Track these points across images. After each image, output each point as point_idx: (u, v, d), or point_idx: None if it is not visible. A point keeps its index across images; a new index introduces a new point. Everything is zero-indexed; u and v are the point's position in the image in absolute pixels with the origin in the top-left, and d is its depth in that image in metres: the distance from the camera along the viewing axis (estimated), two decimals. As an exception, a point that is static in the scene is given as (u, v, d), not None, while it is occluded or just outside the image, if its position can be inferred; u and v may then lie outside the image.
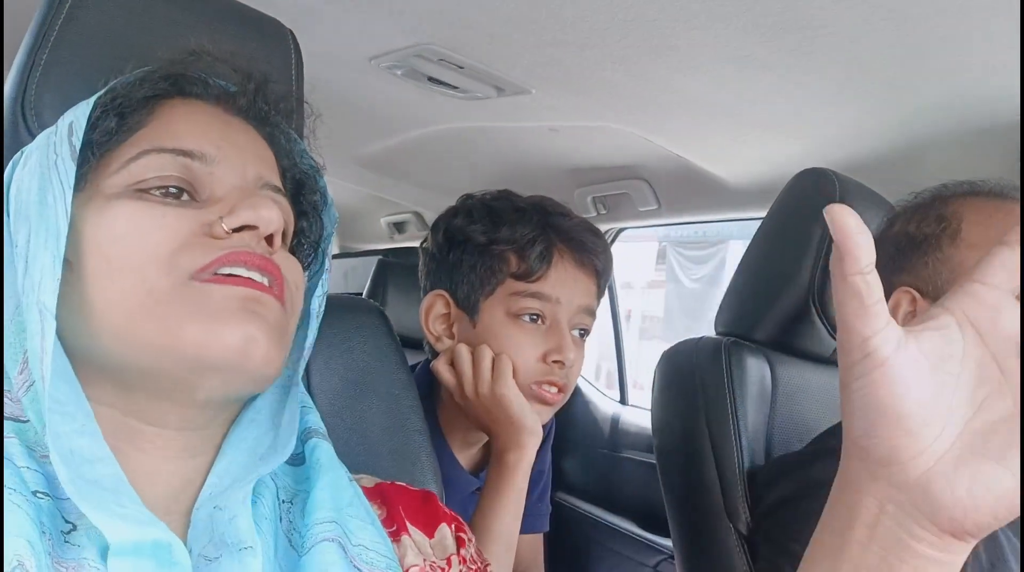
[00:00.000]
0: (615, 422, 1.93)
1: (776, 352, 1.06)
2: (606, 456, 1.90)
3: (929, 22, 0.87)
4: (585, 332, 1.01)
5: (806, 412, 1.03)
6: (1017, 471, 0.35)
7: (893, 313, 0.85)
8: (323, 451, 0.53)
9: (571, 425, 1.96)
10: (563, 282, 0.96)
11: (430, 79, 1.22)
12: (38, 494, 0.40)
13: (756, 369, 1.02)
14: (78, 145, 0.46)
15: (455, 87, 1.24)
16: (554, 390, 0.95)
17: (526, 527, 1.07)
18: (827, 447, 0.85)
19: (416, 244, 2.46)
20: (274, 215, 0.46)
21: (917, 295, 0.84)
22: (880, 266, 0.92)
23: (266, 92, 0.55)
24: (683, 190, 1.60)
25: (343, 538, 0.48)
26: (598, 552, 1.82)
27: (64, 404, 0.42)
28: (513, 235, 0.95)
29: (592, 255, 0.98)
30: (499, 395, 0.90)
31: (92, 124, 0.48)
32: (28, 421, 0.43)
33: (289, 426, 0.50)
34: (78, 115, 0.48)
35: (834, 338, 1.06)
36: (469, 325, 0.96)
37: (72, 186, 0.44)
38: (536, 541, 1.15)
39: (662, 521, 1.67)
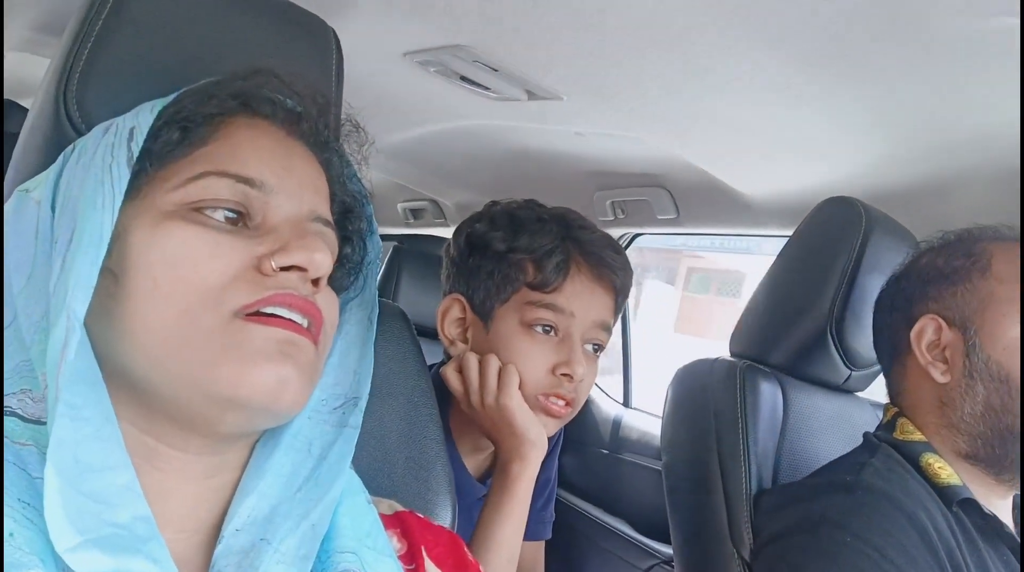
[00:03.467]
0: (617, 424, 1.94)
1: (789, 377, 1.07)
2: (606, 457, 1.91)
3: (967, 62, 0.87)
4: (599, 348, 1.00)
5: (816, 440, 1.04)
6: None
7: (918, 339, 0.86)
8: (349, 478, 0.53)
9: (573, 423, 1.96)
10: (579, 295, 0.95)
11: (462, 78, 1.22)
12: None
13: (769, 394, 1.02)
14: (136, 152, 0.45)
15: (486, 87, 1.24)
16: (561, 404, 0.94)
17: (529, 534, 1.07)
18: (831, 481, 0.85)
19: (432, 231, 2.48)
20: (326, 259, 0.46)
21: (943, 323, 0.85)
22: (905, 296, 0.93)
23: (327, 117, 0.55)
24: (703, 202, 1.60)
25: (361, 571, 0.48)
26: (591, 550, 1.83)
27: (80, 408, 0.41)
28: (532, 244, 0.95)
29: (611, 271, 0.97)
30: (503, 406, 0.90)
31: (153, 133, 0.47)
32: (45, 424, 0.42)
33: (337, 465, 0.50)
34: (140, 122, 0.47)
35: (848, 368, 1.07)
36: (483, 331, 0.97)
37: (123, 193, 0.44)
38: (538, 548, 1.16)
39: (658, 526, 1.69)
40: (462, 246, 1.01)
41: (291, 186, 0.49)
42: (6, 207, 0.49)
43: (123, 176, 0.44)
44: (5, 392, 0.42)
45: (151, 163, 0.47)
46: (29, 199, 0.48)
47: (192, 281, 0.44)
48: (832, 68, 0.93)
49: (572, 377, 0.93)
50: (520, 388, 0.92)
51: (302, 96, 0.54)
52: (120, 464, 0.42)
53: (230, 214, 0.46)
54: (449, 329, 1.00)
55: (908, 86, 0.96)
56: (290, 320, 0.45)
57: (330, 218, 0.52)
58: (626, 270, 1.00)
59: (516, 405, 0.90)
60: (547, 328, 0.94)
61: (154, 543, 0.40)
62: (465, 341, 0.98)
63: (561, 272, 0.94)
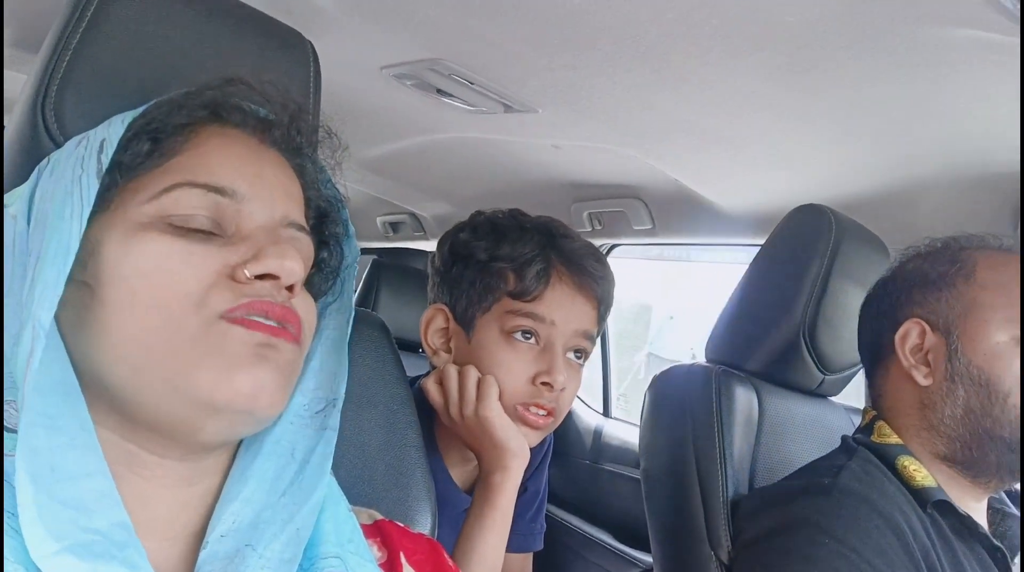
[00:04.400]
0: (598, 434, 1.95)
1: (764, 382, 1.08)
2: (587, 467, 1.92)
3: (935, 71, 0.89)
4: (582, 356, 1.00)
5: (790, 443, 1.05)
6: None
7: (901, 342, 0.88)
8: (328, 483, 0.53)
9: (556, 433, 1.97)
10: (560, 304, 0.95)
11: (439, 91, 1.23)
12: None
13: (744, 399, 1.03)
14: (106, 163, 0.46)
15: (463, 101, 1.25)
16: (542, 413, 0.94)
17: (517, 546, 1.07)
18: (809, 484, 0.86)
19: (411, 245, 2.48)
20: (297, 267, 0.46)
21: (927, 327, 0.87)
22: (891, 300, 0.94)
23: (299, 123, 0.55)
24: (678, 212, 1.62)
25: None
26: (573, 561, 1.84)
27: (55, 418, 0.41)
28: (513, 253, 0.95)
29: (592, 280, 0.97)
30: (483, 417, 0.89)
31: (123, 145, 0.47)
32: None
33: (319, 467, 0.50)
34: (111, 133, 0.47)
35: (822, 372, 1.09)
36: (465, 341, 0.97)
37: (91, 204, 0.44)
38: (525, 560, 1.15)
39: (640, 535, 1.69)
40: (445, 255, 1.01)
41: (263, 193, 0.49)
42: None
43: (92, 186, 0.44)
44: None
45: (121, 175, 0.47)
46: (7, 215, 0.48)
47: (171, 288, 0.44)
48: (803, 78, 0.96)
49: (552, 386, 0.93)
50: (500, 398, 0.91)
51: (273, 102, 0.54)
52: (97, 471, 0.42)
53: (203, 224, 0.47)
54: (432, 339, 0.99)
55: (877, 96, 0.98)
56: (268, 325, 0.46)
57: (304, 223, 0.53)
58: (608, 280, 1.00)
59: (495, 416, 0.90)
60: (527, 336, 0.94)
61: (132, 549, 0.40)
62: (448, 351, 0.98)
63: (542, 280, 0.94)
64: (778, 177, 1.31)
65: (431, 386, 0.94)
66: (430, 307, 1.01)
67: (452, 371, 0.93)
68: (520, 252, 0.95)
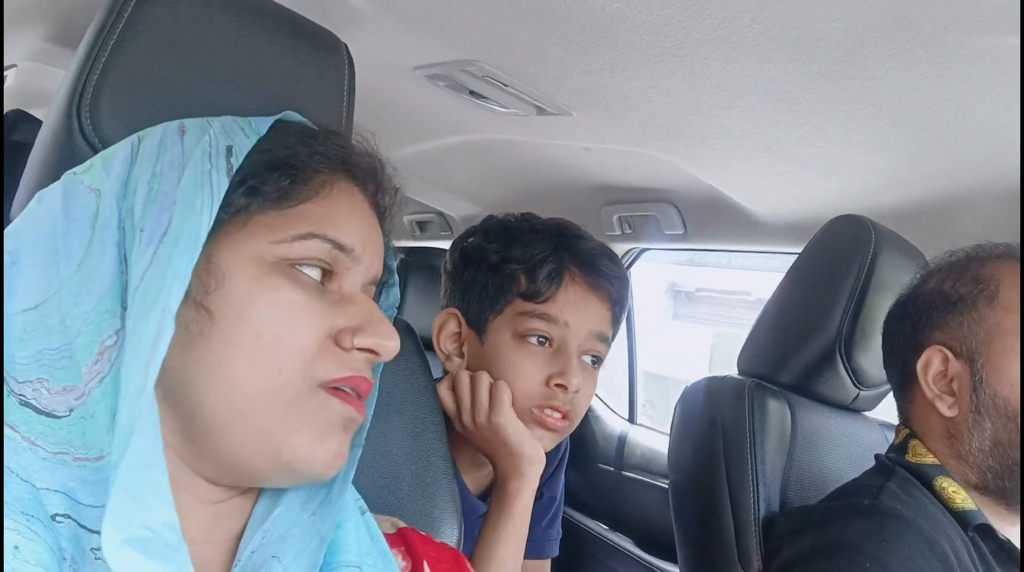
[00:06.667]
0: (622, 441, 1.93)
1: (797, 396, 1.06)
2: (610, 473, 1.90)
3: (980, 81, 0.86)
4: (597, 360, 0.99)
5: (824, 459, 1.03)
6: None
7: (924, 371, 0.85)
8: (349, 491, 0.54)
9: (577, 438, 1.96)
10: (573, 305, 0.94)
11: (472, 92, 1.22)
12: (57, 518, 0.39)
13: (777, 413, 1.01)
14: (235, 167, 0.46)
15: (496, 103, 1.24)
16: (557, 416, 0.92)
17: (534, 552, 1.06)
18: (847, 505, 0.84)
19: (438, 244, 2.48)
20: (397, 346, 0.49)
21: (949, 354, 0.83)
22: (912, 323, 0.91)
23: (394, 190, 0.57)
24: (711, 218, 1.59)
25: None
26: (596, 568, 1.82)
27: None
28: (524, 254, 0.94)
29: (606, 280, 0.96)
30: (496, 424, 0.88)
31: (258, 171, 0.48)
32: (63, 417, 0.41)
33: (345, 481, 0.51)
34: (237, 142, 0.48)
35: (857, 387, 1.06)
36: (477, 345, 0.96)
37: (220, 201, 0.45)
38: (543, 567, 1.14)
39: (662, 544, 1.68)
40: (457, 260, 1.00)
41: (369, 255, 0.51)
42: (53, 191, 0.48)
43: (222, 184, 0.45)
44: (20, 379, 0.41)
45: (257, 203, 0.47)
46: (80, 184, 0.47)
47: (291, 344, 0.45)
48: (844, 85, 0.93)
49: (567, 388, 0.91)
50: (514, 401, 0.90)
51: (383, 168, 0.56)
52: (157, 464, 0.41)
53: (318, 277, 0.48)
54: (445, 344, 0.98)
55: (918, 104, 0.96)
56: (356, 401, 0.48)
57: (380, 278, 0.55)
58: (622, 280, 0.99)
59: (508, 422, 0.88)
60: (542, 339, 0.93)
61: (182, 554, 0.40)
62: (461, 356, 0.97)
63: (554, 282, 0.93)
64: (816, 185, 1.28)
65: (444, 393, 0.93)
66: (442, 312, 1.00)
67: (464, 377, 0.92)
68: (531, 253, 0.94)
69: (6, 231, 0.46)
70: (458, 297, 0.99)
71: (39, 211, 0.46)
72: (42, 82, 1.78)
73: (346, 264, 0.49)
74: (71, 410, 0.41)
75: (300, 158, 0.49)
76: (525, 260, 0.94)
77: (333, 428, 0.46)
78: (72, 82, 0.59)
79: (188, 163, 0.46)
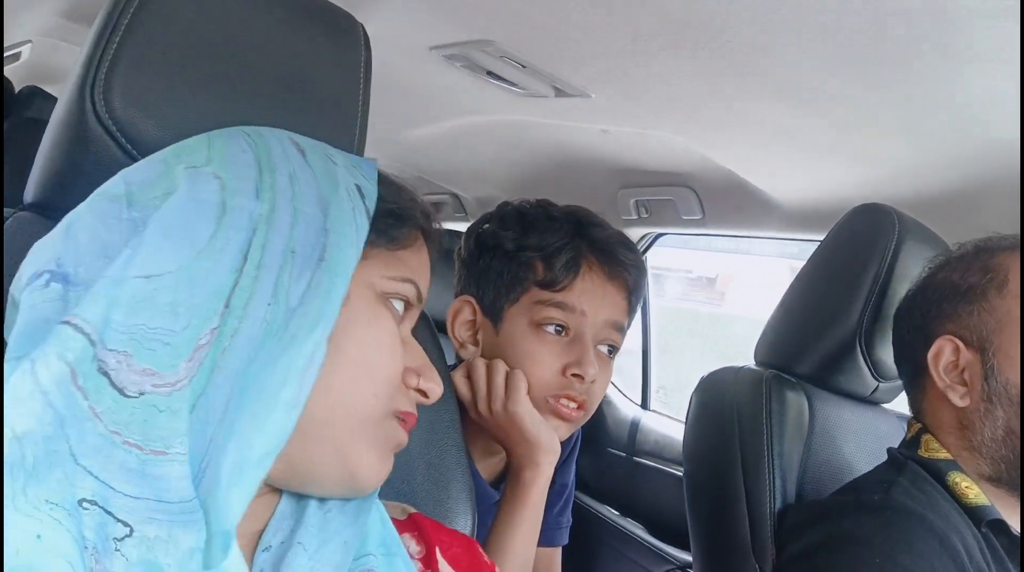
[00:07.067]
0: (635, 426, 1.92)
1: (815, 387, 1.04)
2: (622, 459, 1.90)
3: (1010, 67, 0.84)
4: (613, 349, 0.98)
5: (841, 452, 1.01)
6: None
7: (935, 361, 0.84)
8: None
9: (589, 424, 1.95)
10: (590, 294, 0.93)
11: (489, 73, 1.20)
12: (84, 504, 0.38)
13: (795, 405, 1.00)
14: (371, 210, 0.50)
15: (513, 83, 1.22)
16: (573, 406, 0.92)
17: (545, 540, 1.06)
18: (858, 500, 0.83)
19: (452, 226, 2.46)
20: (442, 393, 0.54)
21: (960, 344, 0.83)
22: (922, 314, 0.90)
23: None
24: (730, 203, 1.57)
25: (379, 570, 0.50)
26: (606, 553, 1.82)
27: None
28: (541, 242, 0.93)
29: (623, 269, 0.95)
30: (512, 413, 0.88)
31: (384, 215, 0.52)
32: (131, 398, 0.39)
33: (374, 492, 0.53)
34: (365, 185, 0.51)
35: (876, 379, 1.04)
36: (492, 333, 0.95)
37: (364, 240, 0.48)
38: (554, 555, 1.14)
39: (673, 531, 1.68)
40: (472, 247, 0.99)
41: (421, 303, 0.56)
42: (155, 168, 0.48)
43: (364, 226, 0.49)
44: (108, 346, 0.39)
45: (379, 241, 0.51)
46: (203, 173, 0.46)
47: (388, 370, 0.49)
48: (870, 70, 0.91)
49: (583, 378, 0.90)
50: (529, 390, 0.89)
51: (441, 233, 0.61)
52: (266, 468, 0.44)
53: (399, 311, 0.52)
54: (459, 331, 0.98)
55: (943, 92, 0.93)
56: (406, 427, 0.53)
57: None
58: (639, 268, 0.97)
59: (525, 411, 0.88)
60: (558, 328, 0.92)
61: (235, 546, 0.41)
62: (475, 344, 0.96)
63: (571, 270, 0.92)
64: (839, 173, 1.26)
65: (459, 380, 0.92)
66: (457, 299, 0.99)
67: (480, 365, 0.91)
68: (548, 241, 0.93)
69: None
70: (473, 284, 0.97)
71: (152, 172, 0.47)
72: (57, 57, 1.78)
73: (413, 312, 0.55)
74: (142, 393, 0.40)
75: (414, 214, 0.55)
76: (542, 248, 0.93)
77: (391, 451, 0.51)
78: (85, 63, 0.58)
79: (327, 193, 0.49)
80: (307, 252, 0.45)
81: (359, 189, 0.51)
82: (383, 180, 0.56)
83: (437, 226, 0.59)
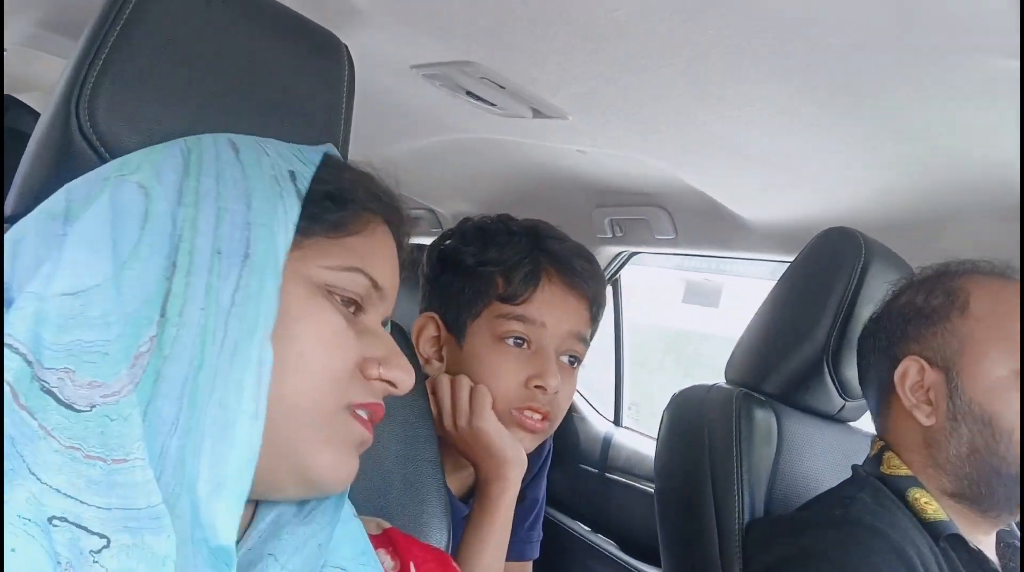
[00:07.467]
0: (607, 442, 1.94)
1: (783, 406, 1.07)
2: (594, 476, 1.91)
3: (978, 101, 0.87)
4: (576, 359, 0.99)
5: (808, 469, 1.04)
6: None
7: (901, 381, 0.86)
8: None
9: (562, 440, 1.96)
10: (550, 306, 0.94)
11: (468, 93, 1.22)
12: (54, 521, 0.38)
13: (764, 422, 1.02)
14: (303, 191, 0.48)
15: (492, 104, 1.24)
16: (537, 417, 0.93)
17: (515, 554, 1.06)
18: (820, 516, 0.85)
19: (428, 241, 2.47)
20: (413, 382, 0.52)
21: (925, 364, 0.86)
22: (887, 335, 0.93)
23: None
24: (702, 224, 1.60)
25: None
26: (576, 569, 1.83)
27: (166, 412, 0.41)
28: (501, 257, 0.95)
29: (582, 280, 0.96)
30: (477, 428, 0.89)
31: (319, 200, 0.50)
32: (82, 412, 0.40)
33: (341, 495, 0.53)
34: (298, 169, 0.50)
35: (843, 397, 1.07)
36: (456, 348, 0.96)
37: (294, 226, 0.46)
38: (523, 569, 1.15)
39: (644, 547, 1.69)
40: (434, 262, 1.00)
41: (392, 295, 0.54)
42: (92, 185, 0.47)
43: (293, 208, 0.47)
44: (46, 365, 0.39)
45: (313, 229, 0.49)
46: (127, 182, 0.46)
47: (330, 365, 0.47)
48: (841, 100, 0.94)
49: (546, 389, 0.92)
50: (494, 404, 0.90)
51: (410, 219, 0.59)
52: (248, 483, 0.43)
53: (353, 307, 0.50)
54: (424, 348, 0.98)
55: (913, 121, 0.96)
56: (371, 426, 0.51)
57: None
58: (598, 279, 0.99)
59: (490, 427, 0.89)
60: (519, 341, 0.93)
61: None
62: (440, 360, 0.97)
63: (530, 283, 0.94)
64: (810, 197, 1.29)
65: None
66: (421, 315, 1.00)
67: (444, 381, 0.92)
68: (507, 255, 0.95)
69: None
70: (436, 301, 0.99)
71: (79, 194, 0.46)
72: (30, 67, 1.76)
73: (374, 301, 0.51)
74: (93, 407, 0.40)
75: (357, 194, 0.52)
76: (501, 262, 0.94)
77: (351, 448, 0.49)
78: (70, 78, 0.58)
79: (254, 183, 0.47)
80: (232, 250, 0.44)
81: (292, 174, 0.49)
82: (329, 162, 0.53)
83: (397, 207, 0.56)
